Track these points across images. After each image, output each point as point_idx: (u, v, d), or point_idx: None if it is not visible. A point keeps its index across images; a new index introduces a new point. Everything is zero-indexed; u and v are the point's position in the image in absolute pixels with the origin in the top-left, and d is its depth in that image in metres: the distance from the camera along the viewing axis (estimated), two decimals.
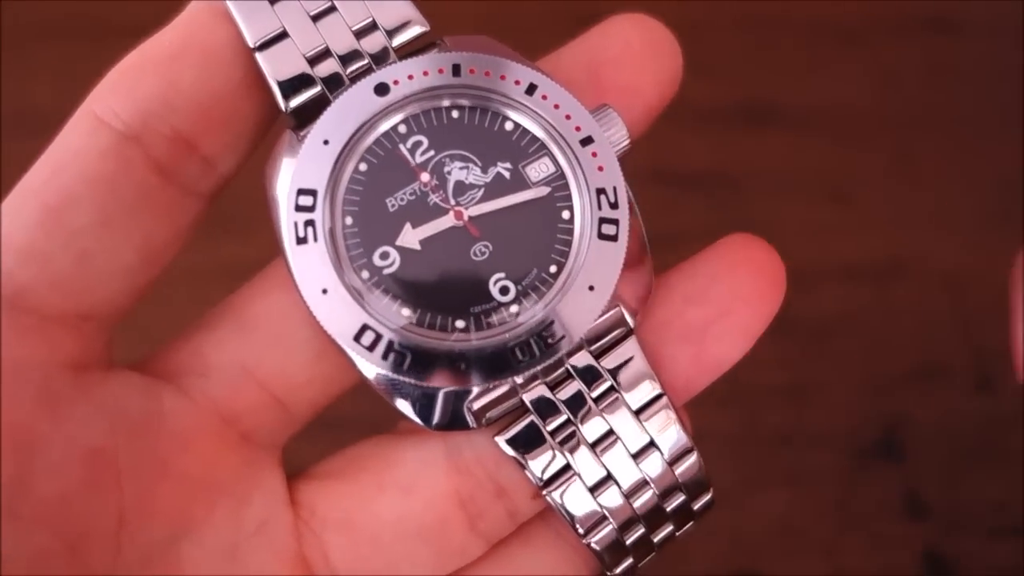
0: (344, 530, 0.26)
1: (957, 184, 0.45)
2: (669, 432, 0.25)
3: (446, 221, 0.24)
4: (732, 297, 0.25)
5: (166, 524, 0.24)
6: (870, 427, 0.40)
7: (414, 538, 0.25)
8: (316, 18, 0.25)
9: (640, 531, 0.26)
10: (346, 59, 0.25)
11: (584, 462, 0.25)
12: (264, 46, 0.24)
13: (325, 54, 0.25)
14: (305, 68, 0.24)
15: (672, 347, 0.25)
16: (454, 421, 0.25)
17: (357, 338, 0.24)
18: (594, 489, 0.25)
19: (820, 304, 0.40)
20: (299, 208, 0.24)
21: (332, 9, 0.25)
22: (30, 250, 0.23)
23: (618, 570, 0.26)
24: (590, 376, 0.25)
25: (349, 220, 0.24)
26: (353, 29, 0.25)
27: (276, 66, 0.24)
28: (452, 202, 0.25)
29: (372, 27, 0.25)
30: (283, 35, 0.24)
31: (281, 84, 0.24)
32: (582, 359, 0.25)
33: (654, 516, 0.26)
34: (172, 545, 0.24)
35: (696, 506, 0.26)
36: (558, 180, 0.25)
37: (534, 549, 0.27)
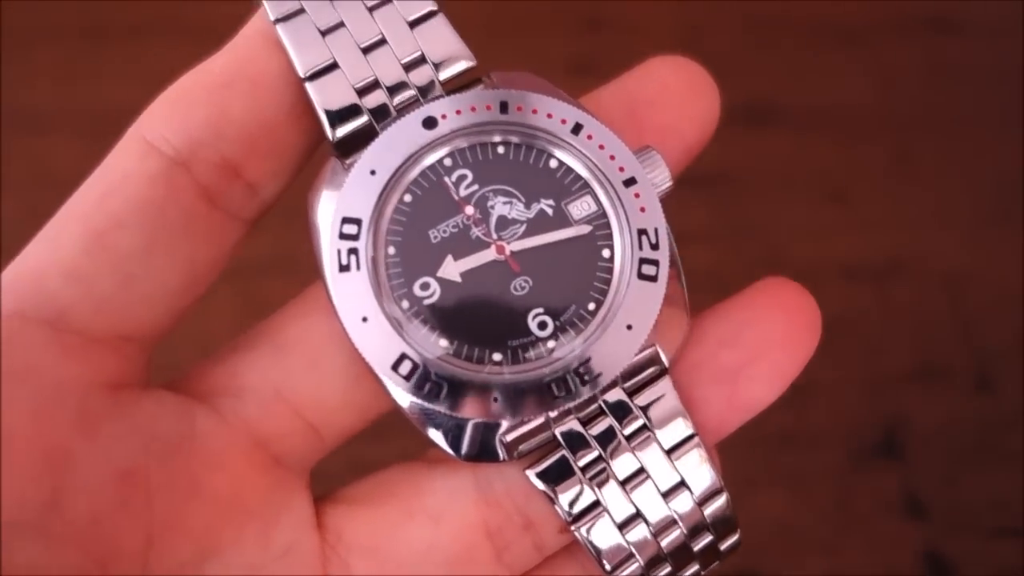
0: (370, 556, 0.26)
1: (957, 184, 0.45)
2: (700, 472, 0.25)
3: (488, 255, 0.25)
4: (766, 341, 0.25)
5: (194, 544, 0.24)
6: (870, 427, 0.40)
7: (440, 567, 0.25)
8: (366, 50, 0.25)
9: (667, 570, 0.26)
10: (394, 90, 0.25)
11: (613, 498, 0.25)
12: (314, 76, 0.24)
13: (374, 85, 0.25)
14: (354, 99, 0.25)
15: (705, 389, 0.26)
16: (484, 452, 0.25)
17: (395, 367, 0.24)
18: (622, 526, 0.25)
19: (820, 304, 0.40)
20: (343, 236, 0.24)
21: (383, 42, 0.25)
22: (75, 272, 0.23)
23: None
24: (622, 413, 0.25)
25: (392, 250, 0.24)
26: (402, 62, 0.25)
27: (325, 96, 0.24)
28: (494, 236, 0.25)
29: (420, 60, 0.25)
30: (333, 66, 0.25)
31: (329, 114, 0.24)
32: (615, 395, 0.25)
33: (681, 555, 0.26)
34: (199, 565, 0.24)
35: (723, 546, 0.26)
36: (600, 219, 0.25)
37: None
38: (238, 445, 0.25)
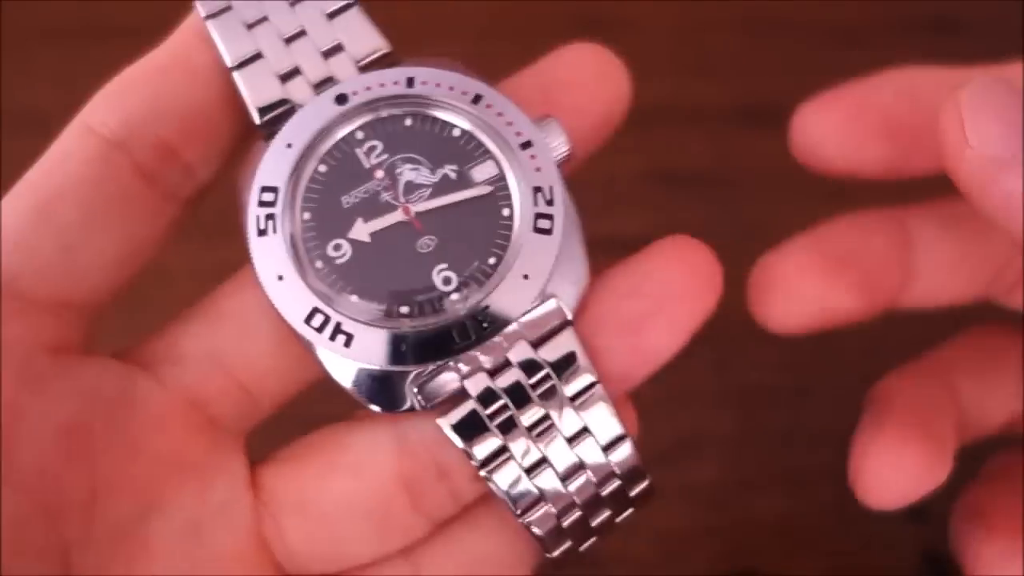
0: (298, 510, 0.27)
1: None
2: (603, 419, 0.27)
3: (395, 216, 0.26)
4: (666, 293, 0.27)
5: (136, 500, 0.26)
6: None
7: (360, 517, 0.27)
8: (288, 41, 0.27)
9: (577, 514, 0.27)
10: (317, 82, 0.27)
11: (520, 445, 0.26)
12: (241, 65, 0.27)
13: (295, 72, 0.27)
14: (278, 87, 0.27)
15: (609, 339, 0.27)
16: (398, 401, 0.26)
17: (308, 320, 0.25)
18: (530, 471, 0.26)
19: None
20: (261, 203, 0.26)
21: (303, 33, 0.28)
22: (19, 241, 0.25)
23: (556, 552, 0.27)
24: (528, 365, 0.26)
25: (307, 215, 0.26)
26: (321, 50, 0.28)
27: (251, 84, 0.27)
28: (401, 199, 0.27)
29: (338, 48, 0.28)
30: (258, 55, 0.27)
31: (254, 101, 0.27)
32: (521, 349, 0.26)
33: (591, 501, 0.27)
34: (141, 520, 0.26)
35: (633, 492, 0.28)
36: (499, 181, 0.27)
37: (479, 533, 0.28)
38: (176, 408, 0.27)
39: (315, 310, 0.25)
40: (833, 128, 0.31)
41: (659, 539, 0.39)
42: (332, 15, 0.28)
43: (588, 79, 0.29)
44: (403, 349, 0.25)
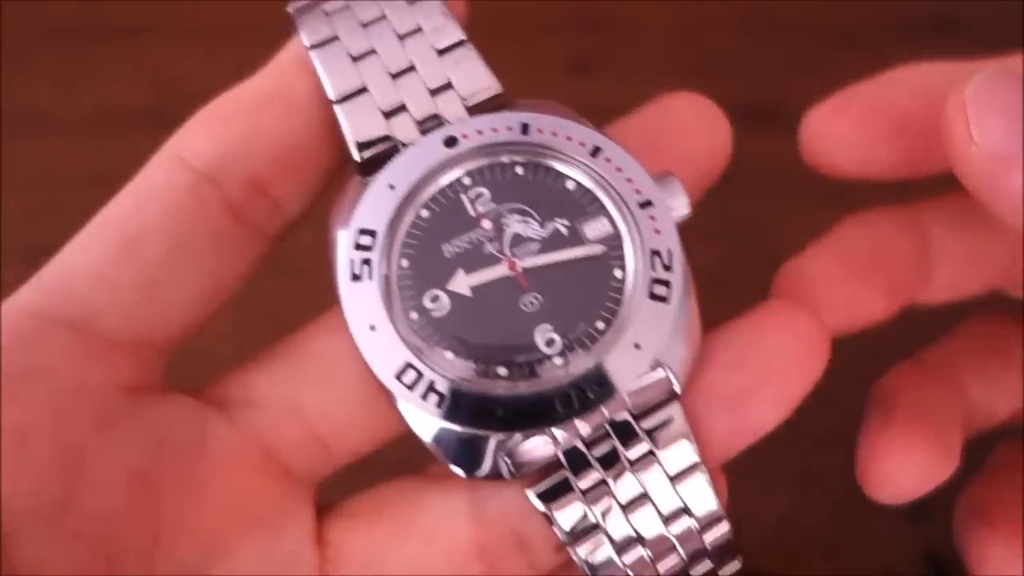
0: (367, 571, 0.26)
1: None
2: (703, 498, 0.25)
3: (499, 270, 0.25)
4: (772, 366, 0.26)
5: (200, 546, 0.25)
6: None
7: None
8: (395, 76, 0.26)
9: None
10: (420, 117, 0.26)
11: (613, 520, 0.25)
12: (344, 99, 0.25)
13: (401, 109, 0.26)
14: (382, 123, 0.26)
15: (710, 412, 0.26)
16: (488, 470, 0.25)
17: (399, 376, 0.24)
18: (620, 549, 0.25)
19: None
20: (358, 247, 0.25)
21: (411, 69, 0.26)
22: (102, 277, 0.24)
23: None
24: (627, 435, 0.25)
25: (405, 263, 0.25)
26: (429, 87, 0.26)
27: (354, 119, 0.25)
28: (507, 252, 0.25)
29: (447, 87, 0.26)
30: (363, 90, 0.26)
31: (357, 137, 0.25)
32: (622, 418, 0.25)
33: None
34: (205, 566, 0.25)
35: (723, 572, 0.27)
36: (614, 240, 0.25)
37: None
38: (248, 453, 0.25)
39: (408, 365, 0.24)
40: (845, 131, 0.31)
41: None
42: (443, 52, 0.26)
43: (694, 128, 0.28)
44: (499, 414, 0.24)
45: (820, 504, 0.40)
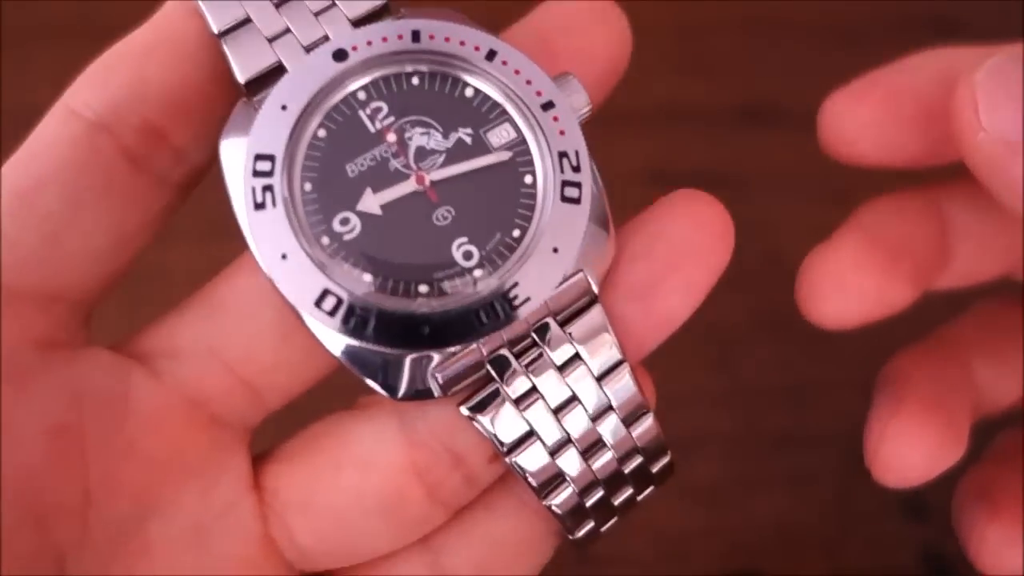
0: (306, 510, 0.26)
1: None
2: (626, 396, 0.25)
3: (408, 186, 0.24)
4: (677, 252, 0.25)
5: (133, 501, 0.25)
6: None
7: (374, 513, 0.26)
8: (278, 5, 0.25)
9: (599, 494, 0.26)
10: (308, 44, 0.25)
11: (544, 425, 0.25)
12: (228, 32, 0.25)
13: (285, 31, 0.25)
14: (268, 51, 0.25)
15: (620, 306, 0.26)
16: (419, 391, 0.24)
17: (318, 303, 0.23)
18: (553, 452, 0.25)
19: None
20: (256, 173, 0.24)
21: None
22: (1, 232, 0.24)
23: (580, 533, 0.26)
24: (553, 341, 0.25)
25: (308, 186, 0.24)
26: (313, 11, 0.25)
27: (239, 50, 0.25)
28: (414, 167, 0.24)
29: (331, 6, 0.25)
30: (247, 20, 0.25)
31: (242, 64, 0.25)
32: (546, 325, 0.25)
33: (613, 479, 0.26)
34: (140, 524, 0.25)
35: (654, 468, 0.27)
36: (520, 145, 0.25)
37: (497, 515, 0.27)
38: (175, 404, 0.25)
39: (326, 292, 0.23)
40: (866, 117, 0.30)
41: (659, 539, 0.39)
42: None
43: (586, 22, 0.27)
44: (425, 332, 0.23)
45: (819, 504, 0.40)
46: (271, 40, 0.25)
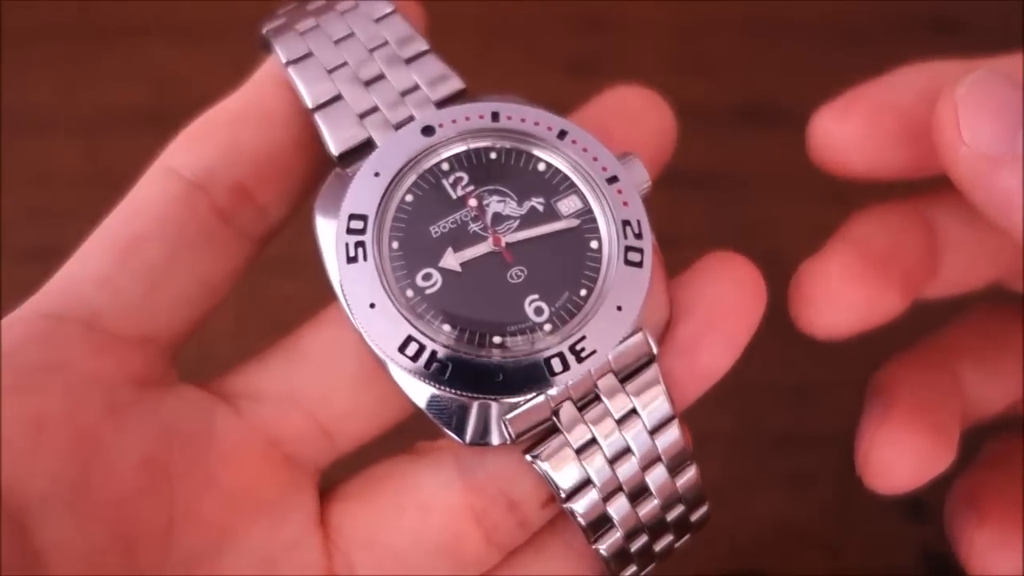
0: (369, 548, 0.27)
1: None
2: (673, 447, 0.27)
3: (485, 246, 0.26)
4: (717, 311, 0.27)
5: (210, 532, 0.26)
6: None
7: (434, 553, 0.27)
8: (368, 84, 0.28)
9: (643, 540, 0.28)
10: (397, 123, 0.28)
11: (601, 473, 0.27)
12: (321, 107, 0.27)
13: (374, 110, 0.28)
14: (358, 125, 0.27)
15: (666, 362, 0.27)
16: (492, 436, 0.26)
17: (402, 349, 0.25)
18: (606, 499, 0.27)
19: None
20: (350, 231, 0.26)
21: (381, 76, 0.28)
22: (105, 280, 0.26)
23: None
24: (613, 395, 0.27)
25: (395, 244, 0.26)
26: (399, 90, 0.28)
27: (332, 124, 0.27)
28: (491, 230, 0.27)
29: (415, 88, 0.28)
30: (338, 97, 0.28)
31: (335, 139, 0.27)
32: (607, 381, 0.27)
33: (656, 526, 0.28)
34: (215, 553, 0.26)
35: (693, 517, 0.29)
36: (586, 214, 0.27)
37: (546, 557, 0.28)
38: (254, 442, 0.27)
39: (410, 338, 0.25)
40: (853, 131, 0.31)
41: None
42: (410, 60, 0.28)
43: (642, 116, 0.30)
44: (500, 379, 0.25)
45: (819, 504, 0.40)
46: (361, 116, 0.27)
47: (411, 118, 0.28)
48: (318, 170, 0.28)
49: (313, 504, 0.28)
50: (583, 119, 0.30)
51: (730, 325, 0.27)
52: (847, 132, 0.31)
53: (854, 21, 0.50)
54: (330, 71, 0.28)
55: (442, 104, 0.28)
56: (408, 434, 0.28)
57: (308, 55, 0.28)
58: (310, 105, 0.27)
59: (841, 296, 0.31)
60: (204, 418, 0.27)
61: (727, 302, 0.27)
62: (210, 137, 0.27)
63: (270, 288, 0.34)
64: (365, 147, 0.27)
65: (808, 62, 0.48)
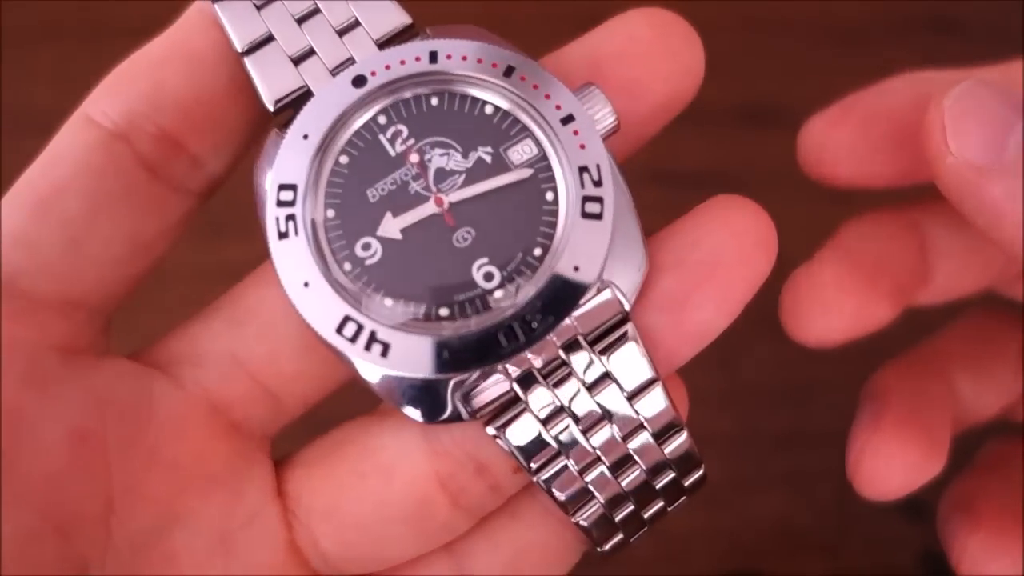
0: (330, 518, 0.26)
1: None
2: (658, 412, 0.25)
3: (427, 209, 0.24)
4: (711, 261, 0.25)
5: (157, 510, 0.25)
6: None
7: (398, 520, 0.26)
8: (300, 20, 0.25)
9: (629, 508, 0.26)
10: (334, 66, 0.25)
11: (572, 444, 0.25)
12: (251, 50, 0.25)
13: (310, 53, 0.25)
14: (293, 72, 0.25)
15: (649, 318, 0.25)
16: (445, 414, 0.24)
17: (339, 330, 0.23)
18: (582, 470, 0.25)
19: None
20: (280, 203, 0.24)
21: (316, 11, 0.25)
22: (21, 237, 0.24)
23: (607, 546, 0.26)
24: (581, 358, 0.24)
25: (331, 212, 0.24)
26: (336, 28, 0.25)
27: (264, 69, 0.25)
28: (433, 189, 0.24)
29: (355, 25, 0.25)
30: (269, 38, 0.25)
31: (268, 86, 0.25)
32: (574, 344, 0.24)
33: (643, 492, 0.26)
34: (164, 533, 0.25)
35: (687, 482, 0.26)
36: (541, 161, 0.25)
37: (523, 523, 0.27)
38: (197, 412, 0.25)
39: (347, 318, 0.23)
40: (843, 141, 0.31)
41: (659, 539, 0.39)
42: None
43: (646, 48, 0.26)
44: (445, 356, 0.23)
45: (818, 504, 0.40)
46: (296, 62, 0.25)
47: (351, 60, 0.25)
48: (259, 116, 0.26)
49: (267, 474, 0.26)
50: (573, 53, 0.26)
51: (726, 277, 0.24)
52: (837, 141, 0.31)
53: (854, 21, 0.50)
54: (259, 7, 0.25)
55: (385, 44, 0.25)
56: (356, 389, 0.26)
57: None
58: (239, 49, 0.25)
59: (832, 305, 0.31)
60: (142, 390, 0.25)
61: (725, 251, 0.25)
62: (131, 82, 0.25)
63: (230, 256, 0.33)
64: (303, 99, 0.25)
65: (808, 62, 0.48)
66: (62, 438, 0.24)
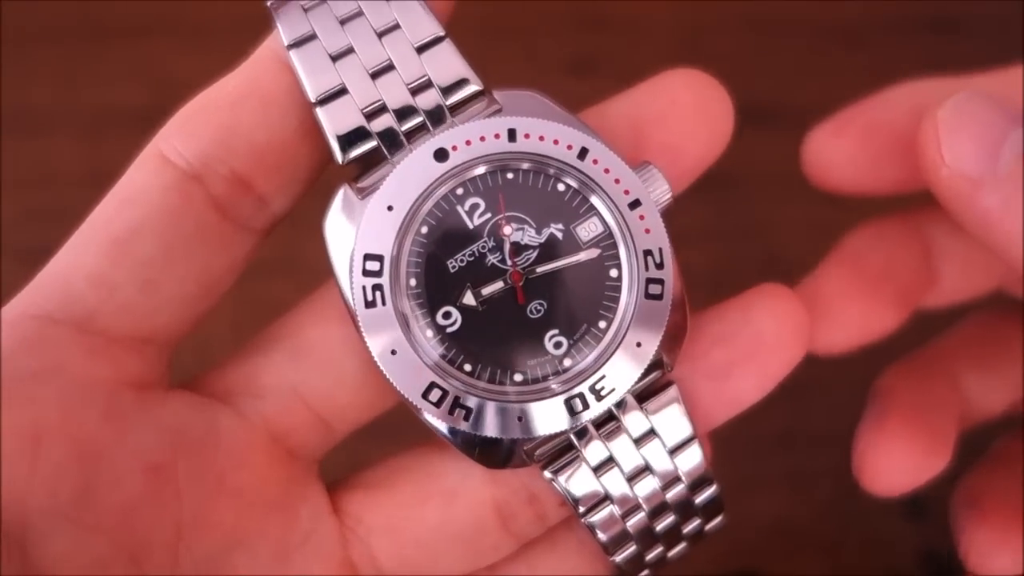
0: (389, 535, 0.28)
1: None
2: (695, 467, 0.28)
3: (504, 282, 0.26)
4: (757, 342, 0.27)
5: (221, 536, 0.26)
6: None
7: (454, 540, 0.28)
8: (375, 75, 0.26)
9: (658, 550, 0.28)
10: (401, 115, 0.26)
11: (618, 490, 0.27)
12: (324, 101, 0.26)
13: (382, 110, 0.26)
14: (362, 123, 0.26)
15: (697, 382, 0.28)
16: (511, 463, 0.27)
17: (425, 395, 0.25)
18: (624, 515, 0.27)
19: None
20: (367, 273, 0.25)
21: (390, 67, 0.26)
22: (99, 277, 0.25)
23: None
24: (632, 417, 0.27)
25: (413, 281, 0.26)
26: (409, 86, 0.26)
27: (335, 121, 0.26)
28: (510, 263, 0.26)
29: (427, 85, 0.26)
30: (343, 91, 0.26)
31: (339, 138, 0.26)
32: (624, 400, 0.27)
33: (673, 537, 0.28)
34: (226, 556, 0.26)
35: (708, 527, 0.29)
36: (606, 240, 0.26)
37: (558, 553, 0.29)
38: (259, 441, 0.27)
39: (432, 384, 0.25)
40: (845, 151, 0.32)
41: None
42: (422, 48, 0.26)
43: (685, 112, 0.28)
44: (520, 421, 0.25)
45: (818, 504, 0.40)
46: (368, 118, 0.26)
47: (423, 126, 0.26)
48: (322, 158, 0.27)
49: (319, 495, 0.28)
50: (616, 112, 0.28)
51: (768, 357, 0.27)
52: (839, 151, 0.32)
53: (854, 21, 0.50)
54: (334, 58, 0.26)
55: (455, 108, 0.27)
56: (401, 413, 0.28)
57: (312, 37, 0.26)
58: (312, 99, 0.26)
59: (835, 313, 0.31)
60: (208, 421, 0.26)
61: (769, 334, 0.27)
62: (206, 122, 0.25)
63: (266, 290, 0.34)
64: (372, 157, 0.26)
65: (808, 62, 0.48)
66: (137, 470, 0.25)
